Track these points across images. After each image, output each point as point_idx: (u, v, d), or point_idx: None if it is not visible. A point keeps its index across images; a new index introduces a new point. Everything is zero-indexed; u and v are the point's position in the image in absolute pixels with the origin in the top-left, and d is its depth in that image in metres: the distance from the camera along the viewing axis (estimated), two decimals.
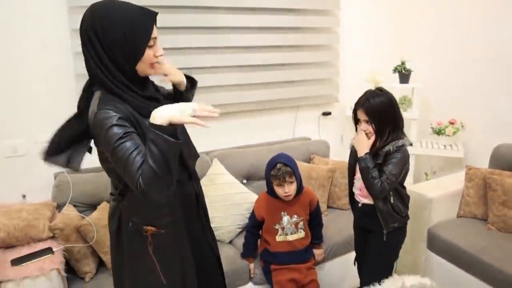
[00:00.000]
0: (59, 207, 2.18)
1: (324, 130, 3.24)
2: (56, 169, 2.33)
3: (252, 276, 2.18)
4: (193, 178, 1.57)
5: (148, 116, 1.21)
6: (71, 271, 1.98)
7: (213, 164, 2.50)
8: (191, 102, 1.34)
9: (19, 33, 2.18)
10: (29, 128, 2.29)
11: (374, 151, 1.82)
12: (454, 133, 2.91)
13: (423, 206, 2.46)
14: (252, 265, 2.18)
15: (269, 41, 2.84)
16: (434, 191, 2.51)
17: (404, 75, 2.99)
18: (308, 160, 2.88)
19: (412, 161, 3.04)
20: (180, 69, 2.72)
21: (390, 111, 1.80)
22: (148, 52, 1.30)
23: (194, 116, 1.22)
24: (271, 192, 2.12)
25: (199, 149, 2.64)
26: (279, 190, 2.05)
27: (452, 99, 3.13)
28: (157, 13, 1.32)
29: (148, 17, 1.29)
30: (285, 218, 2.11)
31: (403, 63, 2.99)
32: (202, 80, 2.66)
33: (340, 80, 3.19)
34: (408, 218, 1.97)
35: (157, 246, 1.39)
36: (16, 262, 1.74)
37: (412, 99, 3.00)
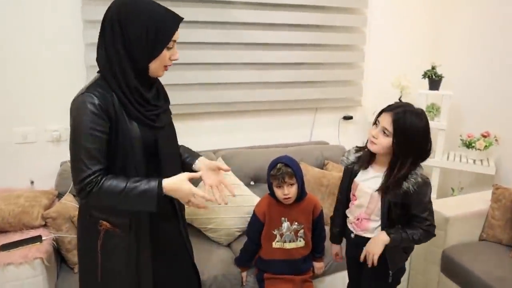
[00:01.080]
0: (60, 195, 2.21)
1: (344, 135, 3.08)
2: (64, 157, 2.41)
3: (244, 284, 2.10)
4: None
5: (133, 118, 1.31)
6: (64, 260, 2.01)
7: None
8: (191, 191, 1.34)
9: (33, 23, 2.22)
10: (39, 117, 2.33)
11: (388, 183, 1.57)
12: (486, 147, 2.65)
13: (438, 226, 2.23)
14: (244, 274, 2.09)
15: (289, 39, 2.72)
16: (454, 210, 2.29)
17: (434, 81, 2.76)
18: (322, 166, 2.74)
19: (436, 174, 2.82)
20: (193, 64, 2.66)
21: (420, 140, 1.55)
22: (165, 53, 1.32)
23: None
24: (273, 194, 2.01)
25: (207, 147, 2.63)
26: (278, 192, 1.94)
27: (486, 110, 2.86)
28: (182, 18, 1.34)
29: (173, 19, 1.32)
30: (285, 224, 1.98)
31: (433, 67, 2.76)
32: (216, 76, 2.64)
33: (364, 83, 3.01)
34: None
35: (107, 244, 1.37)
36: (4, 247, 1.76)
37: (441, 107, 2.76)
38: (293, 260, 2.00)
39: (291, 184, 1.92)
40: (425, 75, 2.79)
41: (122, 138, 1.30)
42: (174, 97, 2.30)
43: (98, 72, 1.35)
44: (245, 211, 2.31)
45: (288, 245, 1.99)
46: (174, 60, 1.37)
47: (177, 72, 2.49)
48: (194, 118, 2.67)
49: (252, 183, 2.59)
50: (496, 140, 2.67)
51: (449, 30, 3.10)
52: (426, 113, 2.73)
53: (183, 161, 1.58)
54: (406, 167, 1.53)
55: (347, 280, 2.26)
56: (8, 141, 2.30)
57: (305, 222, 2.01)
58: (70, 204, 2.07)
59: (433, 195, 2.81)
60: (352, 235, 1.75)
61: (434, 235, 1.64)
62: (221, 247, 2.26)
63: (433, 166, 2.81)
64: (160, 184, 1.28)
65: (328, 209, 2.50)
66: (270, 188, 2.00)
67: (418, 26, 3.10)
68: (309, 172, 2.60)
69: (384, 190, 1.59)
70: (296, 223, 1.99)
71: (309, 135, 3.00)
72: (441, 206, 2.32)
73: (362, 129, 3.11)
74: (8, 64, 2.22)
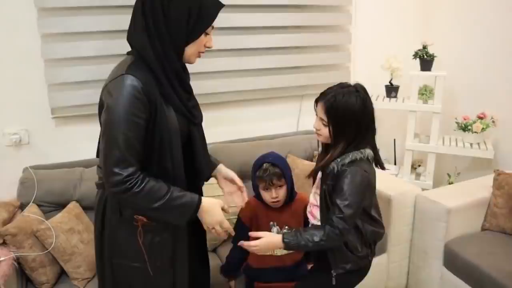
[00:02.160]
0: (23, 206, 1.97)
1: None
2: (25, 163, 2.16)
3: None
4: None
5: (172, 105, 1.28)
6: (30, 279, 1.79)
7: None
8: (221, 219, 1.39)
9: None
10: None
11: (320, 168, 1.49)
12: (483, 129, 2.50)
13: (439, 217, 2.10)
14: (233, 283, 1.89)
15: (270, 21, 2.51)
16: (454, 199, 2.13)
17: (426, 61, 2.59)
18: (312, 157, 2.56)
19: (432, 161, 2.67)
20: None
21: (357, 119, 1.43)
22: (202, 38, 1.30)
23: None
24: (258, 196, 1.80)
25: None
26: (265, 195, 1.72)
27: (482, 91, 2.70)
28: (223, 5, 1.32)
29: (216, 4, 1.30)
30: (274, 229, 1.76)
31: (424, 47, 2.58)
32: (191, 65, 2.41)
33: (352, 66, 2.82)
34: (370, 259, 1.60)
35: (147, 239, 1.33)
36: None
37: (434, 89, 2.59)
38: (286, 267, 1.80)
39: (280, 186, 1.71)
40: (416, 55, 2.61)
41: (159, 125, 1.25)
42: None
43: (128, 53, 1.32)
44: (231, 211, 2.12)
45: (279, 252, 1.76)
46: (208, 47, 1.35)
47: None
48: None
49: None
50: (493, 121, 2.53)
51: (441, 6, 2.92)
52: (418, 95, 2.62)
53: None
54: (338, 151, 1.43)
55: None
56: None
57: (296, 225, 1.79)
58: (33, 216, 1.84)
59: (429, 183, 2.67)
60: (310, 225, 1.61)
61: (340, 238, 1.40)
62: (211, 253, 2.07)
63: (429, 152, 2.66)
64: (200, 201, 1.30)
65: None
66: (256, 190, 1.79)
67: (407, 2, 2.91)
68: (298, 166, 2.42)
69: (315, 172, 1.56)
70: (286, 227, 1.77)
71: (295, 124, 2.80)
72: (441, 196, 2.17)
73: None
74: None
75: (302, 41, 2.62)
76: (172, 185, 1.27)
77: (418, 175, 2.77)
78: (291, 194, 1.78)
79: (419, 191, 2.26)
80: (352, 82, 2.75)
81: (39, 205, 1.97)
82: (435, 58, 2.58)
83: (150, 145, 1.25)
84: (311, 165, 2.39)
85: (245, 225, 1.79)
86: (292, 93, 2.70)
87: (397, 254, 2.28)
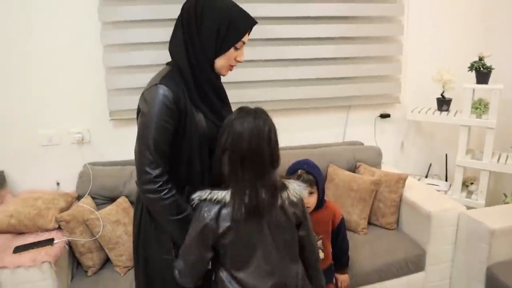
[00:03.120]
0: (80, 197, 2.22)
1: (381, 135, 2.84)
2: (85, 159, 2.42)
3: None
4: None
5: (202, 111, 1.35)
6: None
7: None
8: None
9: (53, 26, 2.24)
10: (62, 119, 2.35)
11: None
12: None
13: (481, 238, 1.98)
14: None
15: (317, 32, 2.54)
16: (499, 220, 2.00)
17: (482, 74, 2.45)
18: (354, 169, 2.54)
19: (485, 179, 2.51)
20: None
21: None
22: (232, 52, 1.37)
23: None
24: None
25: None
26: None
27: None
28: (256, 22, 1.39)
29: (246, 21, 1.37)
30: None
31: (481, 58, 2.45)
32: (240, 74, 2.51)
33: (403, 78, 2.75)
34: None
35: None
36: (17, 249, 1.78)
37: (489, 103, 2.44)
38: None
39: (311, 193, 1.76)
40: (471, 67, 2.48)
41: (189, 130, 1.33)
42: None
43: (167, 64, 1.42)
44: None
45: None
46: (239, 61, 1.41)
47: None
48: None
49: None
50: None
51: (499, 16, 2.74)
52: (472, 109, 2.49)
53: None
54: None
55: None
56: (34, 143, 2.35)
57: (324, 233, 1.84)
58: (86, 207, 2.06)
59: (481, 201, 2.51)
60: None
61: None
62: None
63: (481, 169, 2.50)
64: None
65: (358, 216, 2.31)
66: None
67: (464, 12, 2.78)
68: (338, 175, 2.42)
69: None
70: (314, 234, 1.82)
71: (342, 134, 2.80)
72: (486, 215, 2.04)
73: (401, 128, 2.86)
74: (33, 70, 2.26)
75: (351, 52, 2.62)
76: (200, 186, 1.33)
77: (470, 193, 2.61)
78: (321, 202, 1.82)
79: (463, 209, 2.15)
80: (402, 93, 2.72)
81: (93, 198, 2.20)
82: (492, 70, 2.43)
83: (180, 148, 1.34)
84: (352, 175, 2.40)
85: None
86: (338, 103, 2.70)
87: (437, 274, 2.18)
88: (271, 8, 2.45)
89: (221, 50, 1.35)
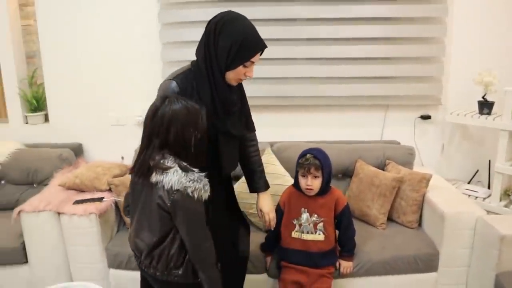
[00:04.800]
0: None
1: (421, 136, 2.81)
2: None
3: (267, 269, 2.18)
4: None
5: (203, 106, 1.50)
6: None
7: (266, 153, 2.55)
8: None
9: (122, 28, 2.74)
10: (127, 104, 2.84)
11: None
12: None
13: (491, 244, 1.93)
14: (268, 259, 2.16)
15: (358, 33, 2.64)
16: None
17: None
18: (383, 166, 2.58)
19: None
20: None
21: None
22: (241, 69, 1.55)
23: None
24: (296, 185, 2.03)
25: (268, 138, 2.73)
26: (302, 181, 1.96)
27: None
28: (265, 47, 1.57)
29: (256, 45, 1.54)
30: (304, 215, 1.99)
31: None
32: (281, 71, 2.76)
33: (445, 80, 2.69)
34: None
35: None
36: (76, 202, 2.26)
37: None
38: (310, 253, 1.99)
39: (316, 177, 1.92)
40: None
41: None
42: None
43: (191, 62, 1.63)
44: None
45: (305, 236, 1.99)
46: (248, 77, 1.59)
47: None
48: (261, 111, 2.79)
49: None
50: None
51: None
52: None
53: (251, 178, 1.89)
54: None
55: (384, 285, 2.14)
56: (105, 123, 2.87)
57: (325, 216, 1.98)
58: None
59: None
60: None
61: None
62: (259, 231, 2.36)
63: None
64: None
65: (377, 211, 2.37)
66: (296, 178, 2.04)
67: (509, 13, 2.61)
68: (364, 170, 2.50)
69: None
70: (315, 215, 1.98)
71: (380, 134, 2.84)
72: (502, 221, 1.98)
73: (442, 130, 2.79)
74: (105, 62, 2.79)
75: (392, 52, 2.67)
76: None
77: (511, 203, 2.47)
78: (325, 187, 1.96)
79: (482, 213, 2.09)
80: (444, 95, 2.67)
81: None
82: None
83: None
84: (376, 171, 2.46)
85: (281, 208, 2.07)
86: (376, 102, 2.76)
87: (450, 276, 2.15)
88: (314, 10, 2.64)
89: (231, 66, 1.53)
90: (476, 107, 2.60)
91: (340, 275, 2.07)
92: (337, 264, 2.06)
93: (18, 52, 2.88)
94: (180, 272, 1.43)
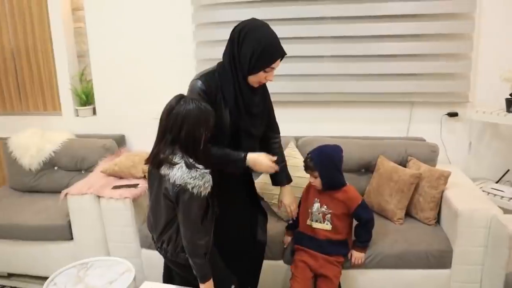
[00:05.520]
0: None
1: (448, 134, 2.79)
2: None
3: (285, 246, 2.31)
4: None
5: (227, 106, 1.71)
6: None
7: (289, 146, 2.67)
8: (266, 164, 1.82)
9: (161, 30, 2.97)
10: (167, 98, 3.05)
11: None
12: None
13: (502, 242, 1.92)
14: (288, 238, 2.31)
15: (384, 30, 2.67)
16: None
17: None
18: (405, 163, 2.60)
19: None
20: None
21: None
22: (262, 74, 1.69)
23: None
24: None
25: (296, 133, 2.85)
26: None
27: None
28: (285, 54, 1.70)
29: (275, 53, 1.67)
30: (316, 205, 2.12)
31: None
32: (307, 69, 2.86)
33: (473, 76, 2.64)
34: None
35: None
36: (115, 187, 2.53)
37: None
38: (318, 240, 2.11)
39: (314, 177, 2.08)
40: None
41: (216, 118, 1.67)
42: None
43: (218, 63, 1.78)
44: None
45: (314, 224, 2.13)
46: (268, 80, 1.74)
47: None
48: (288, 107, 2.94)
49: None
50: None
51: None
52: None
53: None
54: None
55: (391, 280, 2.21)
56: (147, 116, 3.11)
57: (334, 209, 2.09)
58: None
59: None
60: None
61: None
62: (280, 221, 2.49)
63: None
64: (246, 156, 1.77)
65: (395, 206, 2.41)
66: None
67: None
68: (384, 165, 2.55)
69: None
70: (325, 206, 2.10)
71: (405, 130, 2.85)
72: (511, 220, 1.96)
73: (469, 127, 2.75)
74: (145, 60, 3.04)
75: (418, 49, 2.66)
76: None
77: None
78: (331, 185, 2.08)
79: (498, 212, 2.07)
80: (472, 92, 2.64)
81: None
82: None
83: None
84: (395, 167, 2.51)
85: (301, 197, 2.25)
86: (401, 99, 2.78)
87: (464, 274, 2.16)
88: (340, 8, 2.69)
89: (253, 71, 1.67)
90: (504, 105, 2.55)
91: (352, 266, 2.15)
92: (349, 254, 2.14)
93: (70, 51, 3.21)
94: (186, 255, 1.61)
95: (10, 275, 2.79)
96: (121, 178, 2.68)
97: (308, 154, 2.12)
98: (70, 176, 2.97)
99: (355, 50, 2.74)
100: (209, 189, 1.54)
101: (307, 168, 2.09)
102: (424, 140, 2.73)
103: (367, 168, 2.68)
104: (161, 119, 1.62)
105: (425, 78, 2.71)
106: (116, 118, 3.22)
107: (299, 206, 2.20)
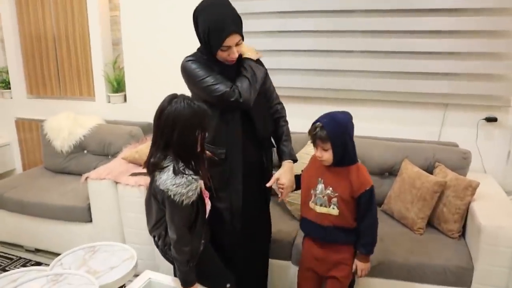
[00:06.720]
0: None
1: (485, 140, 2.56)
2: None
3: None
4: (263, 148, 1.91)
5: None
6: None
7: (307, 144, 2.58)
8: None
9: (189, 18, 2.92)
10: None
11: None
12: None
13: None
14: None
15: (421, 25, 2.49)
16: None
17: None
18: (432, 168, 2.42)
19: None
20: (311, 51, 2.76)
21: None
22: (221, 53, 1.66)
23: None
24: None
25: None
26: (315, 150, 1.77)
27: None
28: (232, 32, 1.61)
29: (222, 31, 1.60)
30: (320, 186, 1.77)
31: None
32: (336, 64, 2.74)
33: None
34: None
35: (210, 170, 1.68)
36: (133, 174, 2.58)
37: None
38: (322, 226, 1.79)
39: (325, 150, 1.71)
40: None
41: None
42: (290, 81, 2.85)
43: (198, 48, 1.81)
44: None
45: (318, 209, 1.78)
46: (232, 58, 1.67)
47: (292, 58, 2.78)
48: (314, 103, 2.85)
49: None
50: None
51: None
52: None
53: (278, 145, 1.94)
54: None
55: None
56: None
57: (341, 191, 1.73)
58: None
59: None
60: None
61: None
62: (294, 220, 2.42)
63: None
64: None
65: (415, 214, 2.26)
66: None
67: None
68: (407, 170, 2.39)
69: None
70: (331, 188, 1.74)
71: (437, 134, 2.65)
72: None
73: (509, 135, 2.50)
74: (175, 50, 3.01)
75: (455, 47, 2.46)
76: None
77: None
78: (342, 160, 1.72)
79: None
80: None
81: None
82: None
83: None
84: (419, 173, 2.36)
85: (301, 174, 1.93)
86: (434, 100, 2.59)
87: None
88: (371, 1, 2.54)
89: (212, 51, 1.66)
90: None
91: (357, 277, 1.92)
92: (354, 266, 1.85)
93: (105, 39, 3.30)
94: None
95: (37, 250, 2.95)
96: (140, 165, 2.72)
97: (315, 121, 1.73)
98: (98, 160, 3.07)
99: (385, 45, 2.59)
100: (193, 198, 1.49)
101: (316, 139, 1.71)
102: (457, 146, 2.52)
103: (391, 172, 2.53)
104: (154, 120, 1.56)
105: (462, 79, 2.50)
106: (145, 106, 3.26)
107: (299, 188, 1.91)
